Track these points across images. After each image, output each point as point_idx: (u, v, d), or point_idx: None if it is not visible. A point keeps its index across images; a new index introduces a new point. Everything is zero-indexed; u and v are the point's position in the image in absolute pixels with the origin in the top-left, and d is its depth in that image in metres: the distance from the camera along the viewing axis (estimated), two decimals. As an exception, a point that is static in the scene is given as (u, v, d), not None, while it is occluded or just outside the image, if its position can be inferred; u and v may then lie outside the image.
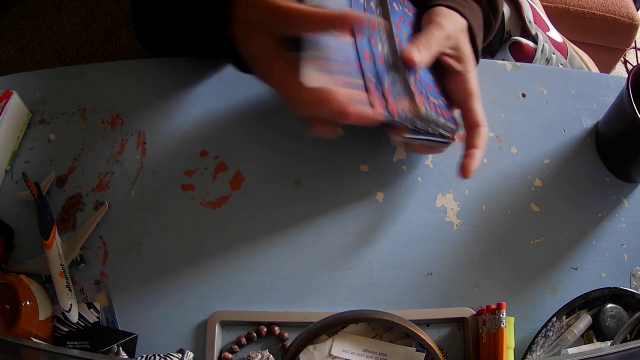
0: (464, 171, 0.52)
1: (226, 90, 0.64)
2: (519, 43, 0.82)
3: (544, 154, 0.62)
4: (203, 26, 0.52)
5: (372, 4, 0.49)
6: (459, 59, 0.53)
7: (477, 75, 0.54)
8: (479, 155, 0.52)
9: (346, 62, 0.44)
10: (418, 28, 0.53)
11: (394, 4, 0.51)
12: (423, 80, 0.51)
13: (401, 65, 0.47)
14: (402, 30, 0.51)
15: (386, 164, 0.61)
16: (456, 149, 0.58)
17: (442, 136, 0.53)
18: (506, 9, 0.85)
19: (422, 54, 0.48)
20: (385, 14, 0.49)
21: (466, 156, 0.52)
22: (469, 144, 0.53)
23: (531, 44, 0.83)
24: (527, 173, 0.61)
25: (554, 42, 0.86)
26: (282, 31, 0.44)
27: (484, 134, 0.53)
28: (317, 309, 0.55)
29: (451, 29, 0.51)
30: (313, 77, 0.41)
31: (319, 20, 0.41)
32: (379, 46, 0.47)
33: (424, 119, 0.48)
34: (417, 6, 0.56)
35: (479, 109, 0.53)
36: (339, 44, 0.43)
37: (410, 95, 0.47)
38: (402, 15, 0.52)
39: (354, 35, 0.45)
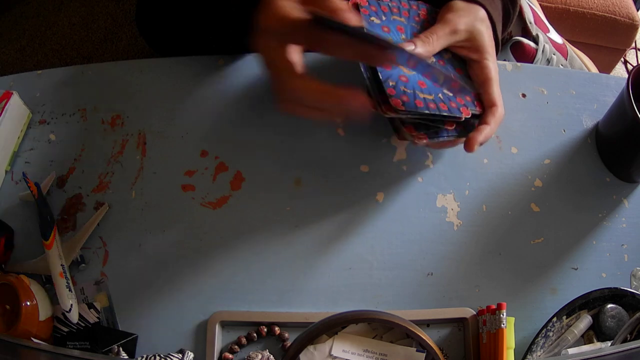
0: (468, 143, 0.53)
1: (226, 90, 0.64)
2: (520, 43, 0.82)
3: (544, 154, 0.62)
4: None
5: None
6: (472, 49, 0.55)
7: (495, 62, 0.56)
8: (487, 131, 0.53)
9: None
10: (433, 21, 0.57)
11: None
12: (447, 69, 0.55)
13: None
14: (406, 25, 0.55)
15: (386, 164, 0.61)
16: (456, 150, 0.59)
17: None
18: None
19: (418, 49, 0.52)
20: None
21: (475, 130, 0.54)
22: (481, 121, 0.55)
23: (532, 44, 0.83)
24: (527, 173, 0.61)
25: (553, 43, 0.86)
26: (295, 41, 0.46)
27: (498, 113, 0.54)
28: (317, 309, 0.55)
29: (460, 23, 0.54)
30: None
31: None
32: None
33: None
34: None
35: (495, 91, 0.55)
36: None
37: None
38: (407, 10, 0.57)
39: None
